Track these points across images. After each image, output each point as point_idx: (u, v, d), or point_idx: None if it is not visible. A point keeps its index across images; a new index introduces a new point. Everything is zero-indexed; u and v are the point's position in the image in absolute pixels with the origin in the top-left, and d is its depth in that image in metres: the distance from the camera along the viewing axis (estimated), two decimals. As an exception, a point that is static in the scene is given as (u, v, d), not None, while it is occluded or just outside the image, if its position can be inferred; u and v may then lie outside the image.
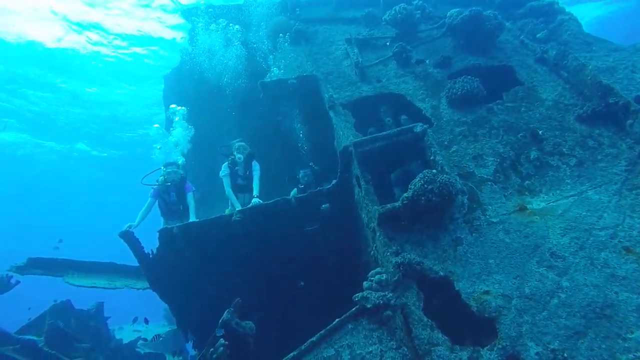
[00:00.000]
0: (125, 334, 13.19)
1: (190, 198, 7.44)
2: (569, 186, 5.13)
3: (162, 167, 7.56)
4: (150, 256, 6.48)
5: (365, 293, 4.29)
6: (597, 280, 4.10)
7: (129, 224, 6.31)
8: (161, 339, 10.66)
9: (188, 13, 9.73)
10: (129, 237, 6.10)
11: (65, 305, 8.58)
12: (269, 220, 6.23)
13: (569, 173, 5.25)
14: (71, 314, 8.54)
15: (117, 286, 7.21)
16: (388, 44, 7.30)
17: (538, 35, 7.05)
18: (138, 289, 7.30)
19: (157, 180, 7.43)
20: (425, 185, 4.52)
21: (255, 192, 6.88)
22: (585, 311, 3.88)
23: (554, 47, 6.76)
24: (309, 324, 6.96)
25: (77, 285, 6.96)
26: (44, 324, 7.68)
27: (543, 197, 5.12)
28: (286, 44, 7.98)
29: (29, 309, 14.67)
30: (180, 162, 7.84)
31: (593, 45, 6.65)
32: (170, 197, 7.43)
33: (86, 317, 8.87)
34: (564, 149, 5.45)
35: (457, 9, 6.97)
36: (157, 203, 7.51)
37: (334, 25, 8.35)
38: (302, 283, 6.74)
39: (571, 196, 5.01)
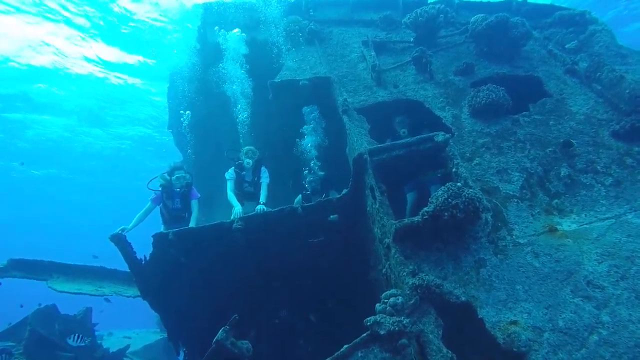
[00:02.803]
0: (114, 340, 12.62)
1: (194, 205, 6.97)
2: (604, 207, 4.67)
3: (166, 173, 7.11)
4: (143, 262, 6.03)
5: (378, 317, 3.82)
6: (644, 316, 3.60)
7: (121, 227, 5.85)
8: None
9: (199, 9, 9.39)
10: (120, 240, 5.64)
11: (49, 310, 7.99)
12: (273, 230, 5.78)
13: (604, 193, 4.79)
14: (55, 319, 7.95)
15: (105, 293, 6.68)
16: (412, 40, 6.85)
17: (567, 46, 6.64)
18: (128, 296, 6.80)
19: (160, 185, 6.96)
20: (450, 200, 4.07)
21: (262, 199, 6.42)
22: (633, 353, 3.38)
23: (585, 58, 6.35)
24: (311, 343, 6.48)
25: (60, 291, 6.45)
26: (24, 330, 7.16)
27: (574, 218, 4.66)
28: (299, 44, 7.60)
29: (22, 306, 14.06)
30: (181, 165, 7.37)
31: (628, 58, 6.23)
32: (174, 203, 6.97)
33: (72, 324, 8.32)
34: (598, 167, 5.00)
35: (482, 15, 6.58)
36: (159, 209, 7.06)
37: (350, 27, 7.96)
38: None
39: (607, 219, 4.54)
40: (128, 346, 11.29)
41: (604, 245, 4.25)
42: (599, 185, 4.85)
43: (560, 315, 3.78)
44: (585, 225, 4.54)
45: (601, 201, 4.72)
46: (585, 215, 4.66)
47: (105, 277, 7.15)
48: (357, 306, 5.24)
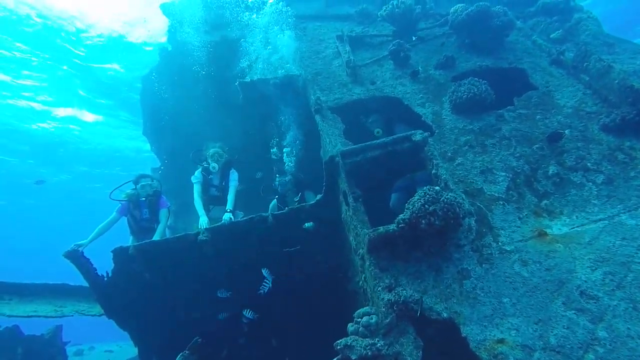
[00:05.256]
0: (95, 355, 12.06)
1: (163, 215, 6.56)
2: (596, 208, 4.29)
3: (132, 181, 6.70)
4: (105, 279, 5.57)
5: (349, 340, 3.41)
6: (644, 331, 3.23)
7: (76, 243, 5.39)
8: None
9: (168, 8, 8.93)
10: (76, 258, 5.19)
11: (10, 333, 7.33)
12: (242, 240, 5.35)
13: (595, 192, 4.41)
14: (18, 342, 7.37)
15: (66, 313, 6.14)
16: (390, 34, 6.43)
17: (552, 36, 6.29)
18: (93, 315, 6.33)
19: (125, 195, 6.52)
20: (426, 206, 3.67)
21: (229, 206, 5.98)
22: (633, 373, 3.01)
23: (571, 48, 6.01)
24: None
25: (9, 316, 5.91)
26: (-21, 358, 6.58)
27: (565, 221, 4.28)
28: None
29: None
30: (151, 173, 6.97)
31: (615, 47, 5.89)
32: (142, 213, 6.55)
33: (38, 345, 7.76)
34: (588, 164, 4.63)
35: (462, 5, 6.20)
36: (126, 220, 6.64)
37: (325, 21, 7.56)
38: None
39: (600, 220, 4.16)
40: (107, 362, 10.77)
41: (598, 250, 3.87)
42: (590, 183, 4.48)
43: (552, 332, 3.39)
44: (576, 228, 4.16)
45: (593, 201, 4.35)
46: (577, 216, 4.28)
47: (68, 295, 6.65)
48: (339, 319, 4.86)
